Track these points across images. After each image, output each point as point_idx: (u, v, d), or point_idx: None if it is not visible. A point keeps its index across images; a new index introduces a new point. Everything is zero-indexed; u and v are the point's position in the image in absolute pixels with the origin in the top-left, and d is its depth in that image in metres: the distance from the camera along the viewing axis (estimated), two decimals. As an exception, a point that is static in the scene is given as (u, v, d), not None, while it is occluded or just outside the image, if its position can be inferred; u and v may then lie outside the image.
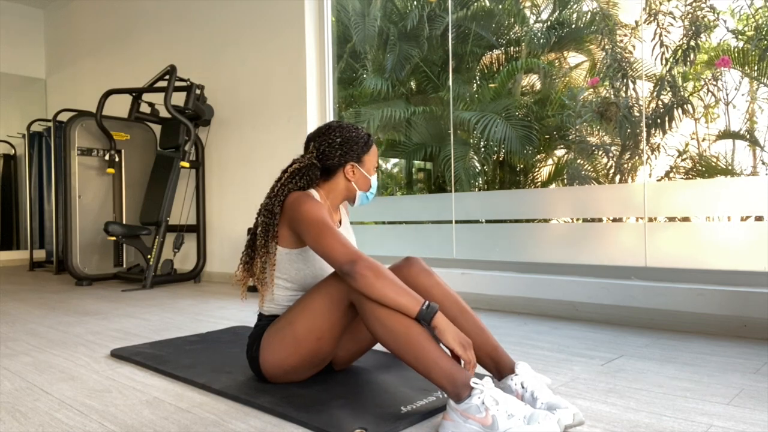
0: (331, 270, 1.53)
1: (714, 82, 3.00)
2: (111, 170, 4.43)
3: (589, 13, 4.16)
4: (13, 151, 6.64)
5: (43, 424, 1.32)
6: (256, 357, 1.52)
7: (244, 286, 1.64)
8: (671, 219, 2.77)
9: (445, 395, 1.40)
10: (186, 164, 4.12)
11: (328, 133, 1.61)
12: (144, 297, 3.52)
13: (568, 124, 3.90)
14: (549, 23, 4.44)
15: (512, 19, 4.80)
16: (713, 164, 3.08)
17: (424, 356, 1.23)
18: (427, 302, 1.28)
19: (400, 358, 1.27)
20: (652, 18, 3.07)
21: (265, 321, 1.57)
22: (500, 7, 4.70)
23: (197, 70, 4.50)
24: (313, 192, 1.59)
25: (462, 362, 1.26)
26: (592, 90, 3.63)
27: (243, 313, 2.83)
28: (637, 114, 3.22)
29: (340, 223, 1.70)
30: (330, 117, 3.90)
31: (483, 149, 4.46)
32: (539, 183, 4.35)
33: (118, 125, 4.56)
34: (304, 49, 3.79)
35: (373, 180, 1.66)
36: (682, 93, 3.12)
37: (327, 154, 1.59)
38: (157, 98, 4.49)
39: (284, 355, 1.47)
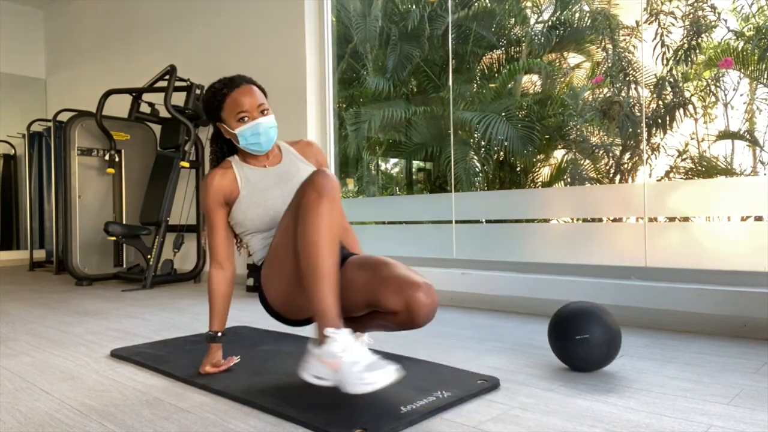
0: (276, 196, 1.64)
1: (716, 83, 3.00)
2: (111, 170, 4.42)
3: (590, 14, 4.16)
4: (13, 151, 6.64)
5: (43, 424, 1.31)
6: (265, 299, 1.62)
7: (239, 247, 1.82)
8: (671, 219, 2.77)
9: (444, 393, 1.41)
10: (186, 164, 4.12)
11: None
12: (144, 297, 3.52)
13: (570, 124, 3.90)
14: (550, 23, 4.44)
15: (513, 20, 4.80)
16: (713, 164, 3.08)
17: (319, 286, 1.35)
18: (214, 333, 1.66)
19: (303, 271, 1.39)
20: (653, 18, 3.07)
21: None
22: (501, 7, 4.70)
23: (197, 70, 4.50)
24: (229, 161, 1.70)
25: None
26: (595, 88, 3.63)
27: (243, 313, 2.83)
28: (638, 114, 3.22)
29: (279, 161, 1.74)
30: (330, 117, 3.90)
31: (483, 149, 4.46)
32: (540, 183, 4.35)
33: (118, 125, 4.56)
34: (304, 49, 3.79)
35: (241, 130, 1.61)
36: (683, 93, 3.12)
37: (209, 120, 1.72)
38: (157, 98, 4.49)
39: (279, 283, 1.55)
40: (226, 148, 1.77)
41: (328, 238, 1.36)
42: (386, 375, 1.24)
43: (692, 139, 3.13)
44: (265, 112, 1.64)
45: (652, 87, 3.22)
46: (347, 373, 1.25)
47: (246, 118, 1.61)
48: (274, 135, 1.66)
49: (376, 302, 1.43)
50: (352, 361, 1.26)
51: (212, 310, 1.66)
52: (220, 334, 1.67)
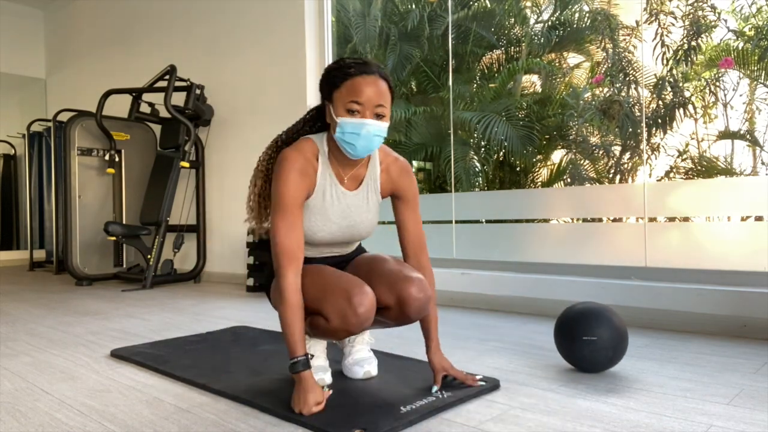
0: (328, 228, 1.50)
1: (716, 83, 3.00)
2: (111, 170, 4.42)
3: (590, 14, 4.16)
4: (13, 151, 6.64)
5: (43, 424, 1.31)
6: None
7: (260, 223, 1.60)
8: (671, 219, 2.77)
9: (444, 393, 1.41)
10: (186, 164, 4.12)
11: None
12: (144, 297, 3.52)
13: (570, 124, 3.89)
14: (550, 23, 4.44)
15: (513, 20, 4.80)
16: (713, 164, 3.08)
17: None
18: (298, 358, 1.33)
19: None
20: (653, 18, 3.07)
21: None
22: (501, 7, 4.70)
23: (197, 70, 4.50)
24: (317, 150, 1.48)
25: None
26: (595, 87, 3.63)
27: (243, 313, 2.83)
28: (638, 114, 3.22)
29: (359, 184, 1.52)
30: (330, 117, 3.89)
31: (483, 149, 4.46)
32: (540, 183, 4.35)
33: (118, 125, 4.56)
34: (304, 49, 3.79)
35: (343, 121, 1.38)
36: (683, 93, 3.12)
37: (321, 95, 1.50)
38: (157, 98, 4.49)
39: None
40: (317, 127, 1.57)
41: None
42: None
43: (692, 139, 3.13)
44: (381, 116, 1.40)
45: (652, 87, 3.22)
46: None
47: (356, 113, 1.37)
48: (375, 144, 1.42)
49: None
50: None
51: (294, 328, 1.33)
52: (310, 355, 1.42)
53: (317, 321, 1.40)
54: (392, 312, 1.43)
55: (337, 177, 1.49)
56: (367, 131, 1.38)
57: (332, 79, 1.42)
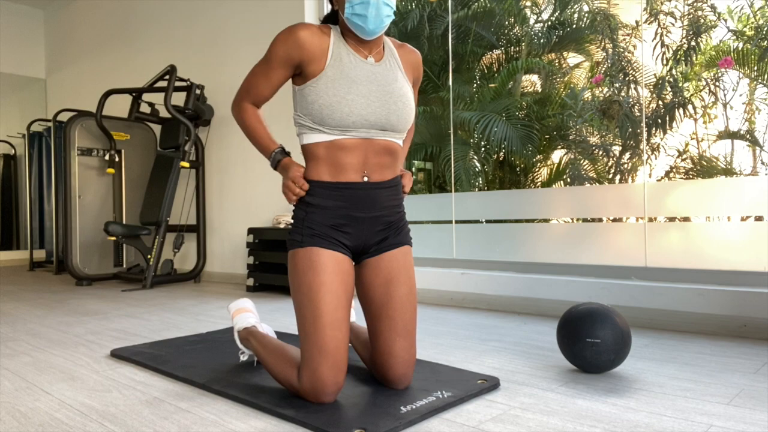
0: (361, 94, 1.40)
1: (716, 83, 3.00)
2: (111, 170, 4.43)
3: (590, 14, 4.16)
4: (13, 151, 6.64)
5: (43, 424, 1.32)
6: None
7: None
8: (671, 219, 2.77)
9: (444, 393, 1.42)
10: (186, 164, 4.12)
11: None
12: (144, 297, 3.52)
13: (570, 124, 3.90)
14: (549, 23, 4.44)
15: (512, 19, 4.80)
16: (713, 164, 3.08)
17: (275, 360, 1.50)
18: (274, 152, 1.46)
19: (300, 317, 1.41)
20: (653, 18, 3.07)
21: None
22: (501, 7, 4.69)
23: (197, 70, 4.50)
24: (329, 27, 1.46)
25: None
26: (594, 87, 3.63)
27: (243, 313, 2.83)
28: (638, 113, 3.22)
29: (380, 59, 1.47)
30: (330, 117, 3.89)
31: (483, 149, 4.46)
32: (539, 183, 4.35)
33: (118, 125, 4.56)
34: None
35: None
36: (682, 93, 3.12)
37: None
38: (157, 98, 4.49)
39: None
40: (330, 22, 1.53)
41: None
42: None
43: (692, 139, 3.13)
44: None
45: (651, 87, 3.22)
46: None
47: None
48: (386, 17, 1.39)
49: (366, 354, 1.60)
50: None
51: (262, 132, 1.49)
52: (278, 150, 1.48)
53: (288, 372, 1.43)
54: (374, 369, 1.54)
55: (354, 50, 1.45)
56: (377, 0, 1.36)
57: None
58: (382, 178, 1.47)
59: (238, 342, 1.72)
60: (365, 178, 1.44)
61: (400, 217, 1.54)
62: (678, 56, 3.06)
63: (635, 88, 3.35)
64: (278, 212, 3.92)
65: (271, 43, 1.43)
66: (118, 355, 1.93)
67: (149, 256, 4.03)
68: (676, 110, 3.11)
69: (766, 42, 2.85)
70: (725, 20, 2.90)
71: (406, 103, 1.46)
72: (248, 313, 1.75)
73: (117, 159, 4.51)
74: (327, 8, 3.88)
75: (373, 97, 1.40)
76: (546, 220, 3.22)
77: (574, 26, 4.32)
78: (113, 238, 4.14)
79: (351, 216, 1.44)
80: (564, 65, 4.42)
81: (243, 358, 1.72)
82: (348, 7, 1.37)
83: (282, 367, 1.44)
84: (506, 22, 4.83)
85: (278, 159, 1.46)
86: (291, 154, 1.57)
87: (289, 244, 1.46)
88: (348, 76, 1.39)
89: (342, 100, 1.37)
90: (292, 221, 1.49)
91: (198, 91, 4.27)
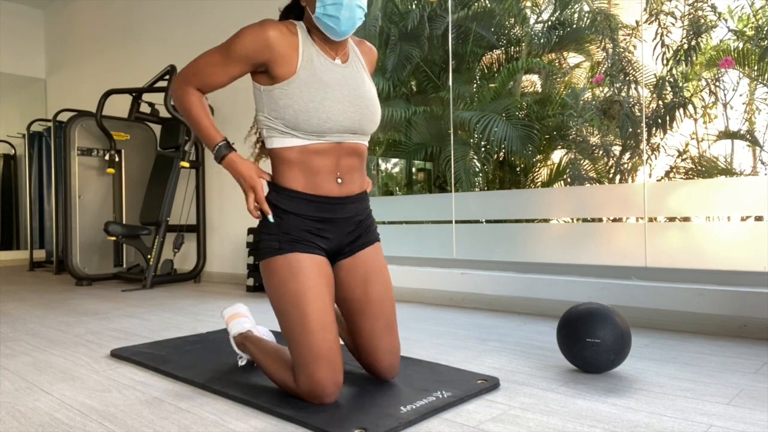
0: (336, 99, 1.39)
1: (716, 83, 3.00)
2: (111, 170, 4.43)
3: (590, 14, 4.16)
4: (13, 151, 6.64)
5: (43, 424, 1.31)
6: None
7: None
8: (671, 219, 2.77)
9: (444, 393, 1.41)
10: (186, 164, 4.12)
11: None
12: (144, 297, 3.52)
13: (570, 124, 3.90)
14: (550, 23, 4.44)
15: (513, 19, 4.80)
16: (713, 164, 3.08)
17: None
18: (219, 144, 1.41)
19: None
20: (653, 18, 3.07)
21: (273, 191, 1.45)
22: (501, 7, 4.69)
23: (197, 70, 4.49)
24: (295, 24, 1.44)
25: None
26: (595, 87, 3.63)
27: (243, 313, 2.83)
28: (638, 114, 3.23)
29: (347, 59, 1.47)
30: (330, 117, 3.89)
31: (483, 149, 4.45)
32: (539, 183, 4.35)
33: (118, 125, 4.56)
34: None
35: None
36: (683, 93, 3.12)
37: None
38: (157, 98, 4.49)
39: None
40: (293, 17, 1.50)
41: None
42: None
43: (692, 139, 3.13)
44: None
45: (651, 87, 3.22)
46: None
47: None
48: (358, 19, 1.38)
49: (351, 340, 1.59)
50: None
51: (206, 121, 1.42)
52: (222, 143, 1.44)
53: (286, 375, 1.42)
54: (359, 360, 1.59)
55: (322, 51, 1.42)
56: (350, 1, 1.35)
57: None
58: (353, 180, 1.48)
59: (235, 347, 1.72)
60: (339, 180, 1.44)
61: (368, 214, 1.57)
62: (678, 56, 3.06)
63: (635, 88, 3.35)
64: (278, 212, 3.91)
65: (235, 34, 1.37)
66: (118, 355, 1.93)
67: (149, 256, 4.03)
68: (677, 110, 3.11)
69: (766, 42, 2.84)
70: (725, 20, 2.90)
71: (376, 105, 1.49)
72: (243, 318, 1.74)
73: (117, 159, 4.51)
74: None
75: (347, 102, 1.41)
76: (546, 220, 3.22)
77: (574, 26, 4.32)
78: (113, 238, 4.14)
79: (326, 219, 1.45)
80: (564, 65, 4.42)
81: (241, 363, 1.72)
82: (320, 6, 1.35)
83: (280, 371, 1.44)
84: (506, 23, 4.83)
85: (223, 154, 1.42)
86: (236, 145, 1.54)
87: (263, 252, 1.41)
88: (322, 80, 1.38)
89: (319, 107, 1.36)
90: (260, 228, 1.45)
91: (198, 91, 4.26)
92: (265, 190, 1.46)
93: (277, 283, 1.38)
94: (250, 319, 1.76)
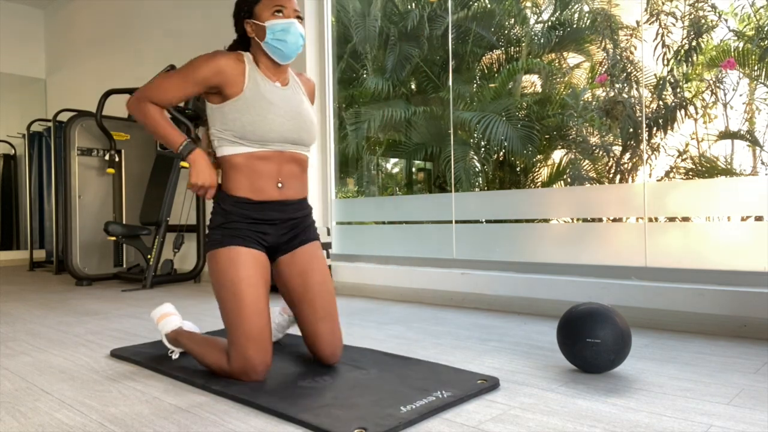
0: (278, 115, 1.62)
1: (718, 84, 3.00)
2: (111, 170, 4.43)
3: (590, 14, 4.16)
4: (13, 151, 6.64)
5: (43, 424, 1.31)
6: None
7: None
8: (671, 219, 2.77)
9: (444, 393, 1.41)
10: (186, 164, 4.11)
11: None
12: (144, 297, 3.52)
13: (570, 124, 3.90)
14: (550, 23, 4.44)
15: (513, 20, 4.80)
16: (713, 164, 3.08)
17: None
18: (183, 144, 1.60)
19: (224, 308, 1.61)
20: (653, 18, 3.07)
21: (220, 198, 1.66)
22: (501, 7, 4.70)
23: (197, 70, 4.49)
24: (242, 55, 1.66)
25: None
26: (597, 87, 3.63)
27: (243, 313, 2.83)
28: (638, 114, 3.23)
29: (287, 83, 1.71)
30: (330, 116, 3.90)
31: (483, 149, 4.45)
32: (539, 183, 4.35)
33: (118, 125, 4.56)
34: (304, 49, 3.79)
35: (272, 24, 1.60)
36: (683, 94, 3.12)
37: (236, 27, 1.71)
38: (157, 98, 4.48)
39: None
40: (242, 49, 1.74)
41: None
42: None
43: (692, 139, 3.13)
44: (300, 20, 1.64)
45: (652, 87, 3.22)
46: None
47: (281, 14, 1.61)
48: (299, 46, 1.64)
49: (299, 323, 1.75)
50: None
51: (163, 124, 1.61)
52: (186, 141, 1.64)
53: (218, 357, 1.60)
54: (308, 347, 1.75)
55: (266, 75, 1.66)
56: (295, 29, 1.61)
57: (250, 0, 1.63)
58: (292, 186, 1.69)
59: (167, 343, 1.86)
60: (279, 185, 1.65)
61: (306, 216, 1.76)
62: (679, 57, 3.06)
63: (637, 89, 3.35)
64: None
65: (191, 61, 1.60)
66: (118, 355, 1.93)
67: (149, 256, 4.03)
68: (677, 111, 3.11)
69: (766, 42, 2.85)
70: (726, 20, 2.90)
71: (313, 121, 1.73)
72: (172, 316, 1.88)
73: (117, 159, 4.51)
74: (328, 8, 3.88)
75: (288, 117, 1.64)
76: (546, 220, 3.22)
77: (575, 26, 4.32)
78: (113, 238, 4.14)
79: (266, 220, 1.65)
80: (564, 65, 4.42)
81: (174, 356, 1.84)
82: (270, 33, 1.60)
83: (212, 355, 1.62)
84: (506, 23, 4.83)
85: (191, 148, 1.62)
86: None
87: (208, 244, 1.63)
88: (265, 98, 1.61)
89: (264, 119, 1.59)
90: (209, 225, 1.67)
91: (198, 91, 4.26)
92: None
93: (218, 273, 1.58)
94: (177, 315, 1.91)
